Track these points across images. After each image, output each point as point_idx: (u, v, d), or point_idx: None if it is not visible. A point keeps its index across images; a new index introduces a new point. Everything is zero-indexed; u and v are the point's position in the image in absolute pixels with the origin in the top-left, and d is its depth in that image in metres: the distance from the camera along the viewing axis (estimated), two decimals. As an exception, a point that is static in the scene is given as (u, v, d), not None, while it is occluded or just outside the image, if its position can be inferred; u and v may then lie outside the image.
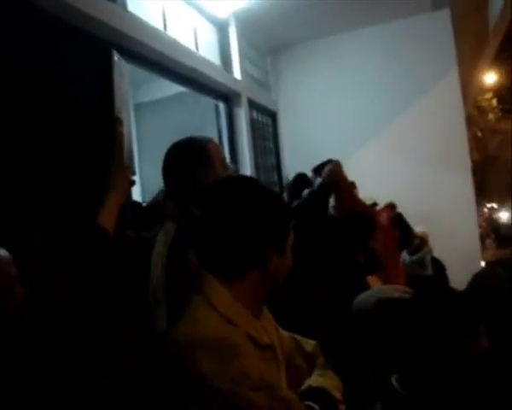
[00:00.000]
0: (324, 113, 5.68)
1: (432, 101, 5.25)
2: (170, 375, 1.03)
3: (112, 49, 1.45)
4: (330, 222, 2.74)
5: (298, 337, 1.42)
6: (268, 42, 5.64)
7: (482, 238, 6.72)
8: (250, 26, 5.02)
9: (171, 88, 4.90)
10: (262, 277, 1.14)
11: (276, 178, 5.72)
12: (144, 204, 2.49)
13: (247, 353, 1.05)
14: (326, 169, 2.77)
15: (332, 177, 2.68)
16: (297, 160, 5.67)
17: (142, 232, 1.91)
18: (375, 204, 4.66)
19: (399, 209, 4.17)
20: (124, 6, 3.24)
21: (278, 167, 5.83)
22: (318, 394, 1.21)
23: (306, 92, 5.79)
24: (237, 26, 4.88)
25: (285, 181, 5.74)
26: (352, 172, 5.12)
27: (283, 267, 1.19)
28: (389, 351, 1.41)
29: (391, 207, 3.90)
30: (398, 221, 3.95)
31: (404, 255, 4.45)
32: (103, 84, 1.60)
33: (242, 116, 4.90)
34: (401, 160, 5.34)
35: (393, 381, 1.38)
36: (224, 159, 1.67)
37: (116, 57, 1.44)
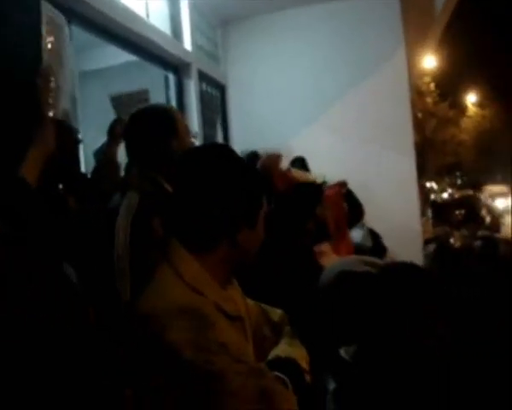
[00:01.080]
0: (272, 89, 5.68)
1: (378, 82, 5.33)
2: (139, 348, 1.01)
3: (41, 2, 1.40)
4: (279, 198, 2.77)
5: (264, 306, 1.42)
6: (219, 14, 5.58)
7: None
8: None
9: (118, 57, 4.77)
10: (231, 249, 1.13)
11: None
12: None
13: (219, 324, 1.05)
14: (258, 163, 2.79)
15: (264, 171, 2.68)
16: (245, 134, 5.69)
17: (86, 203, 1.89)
18: (324, 182, 4.78)
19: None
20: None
21: (226, 141, 5.82)
22: (286, 364, 1.21)
23: (255, 67, 5.77)
24: (189, -4, 4.80)
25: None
26: (298, 151, 5.25)
27: (254, 241, 1.18)
28: (343, 322, 1.43)
29: (341, 184, 4.00)
30: (348, 197, 4.07)
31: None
32: (30, 34, 1.54)
33: (192, 88, 4.86)
34: (347, 139, 5.43)
35: (342, 352, 1.41)
36: (187, 126, 1.66)
37: (50, 12, 1.40)
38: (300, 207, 2.61)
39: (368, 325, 1.33)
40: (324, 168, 4.98)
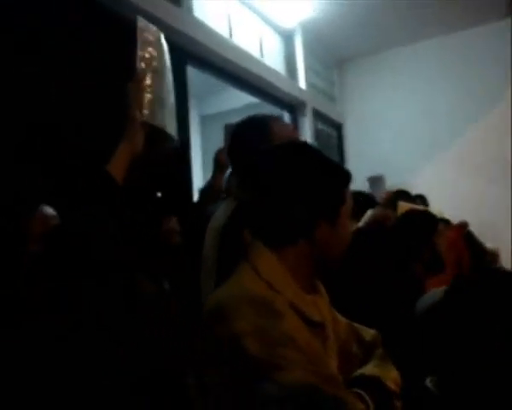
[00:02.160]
0: (389, 126, 5.55)
1: (499, 115, 5.00)
2: (206, 336, 0.98)
3: (136, 17, 1.49)
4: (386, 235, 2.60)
5: (356, 325, 1.33)
6: (334, 53, 5.60)
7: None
8: (316, 36, 5.01)
9: (237, 100, 4.96)
10: (311, 245, 1.07)
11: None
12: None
13: (292, 321, 0.97)
14: (368, 215, 2.64)
15: (374, 223, 2.55)
16: (361, 172, 5.55)
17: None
18: (446, 220, 4.50)
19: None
20: (189, 10, 3.31)
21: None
22: (370, 382, 1.10)
23: (372, 105, 5.69)
24: (303, 37, 4.88)
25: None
26: (417, 188, 5.02)
27: (335, 238, 1.10)
28: (432, 350, 1.28)
29: (462, 225, 3.72)
30: (469, 239, 3.79)
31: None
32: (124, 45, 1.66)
33: (307, 126, 4.88)
34: (464, 176, 5.13)
35: (428, 383, 1.25)
36: (285, 137, 1.62)
37: (145, 25, 1.48)
38: (417, 234, 2.45)
39: (454, 355, 1.18)
40: (447, 206, 4.73)
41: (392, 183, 4.92)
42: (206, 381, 0.96)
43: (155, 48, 1.47)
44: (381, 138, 5.57)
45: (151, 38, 1.48)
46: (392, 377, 1.16)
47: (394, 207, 4.37)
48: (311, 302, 1.09)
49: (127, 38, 1.56)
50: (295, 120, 4.87)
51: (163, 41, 1.55)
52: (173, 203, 2.43)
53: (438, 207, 4.75)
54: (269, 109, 4.93)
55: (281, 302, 0.99)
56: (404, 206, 3.91)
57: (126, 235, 1.24)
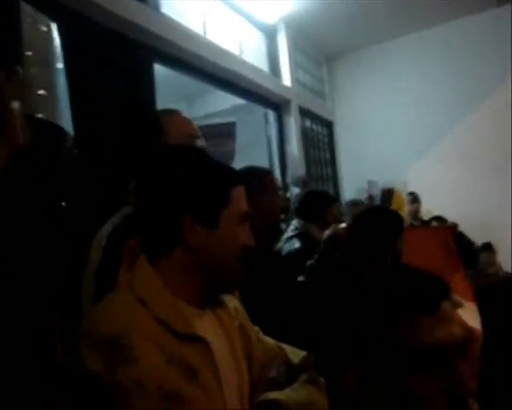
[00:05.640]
0: (382, 123, 5.41)
1: (494, 106, 4.84)
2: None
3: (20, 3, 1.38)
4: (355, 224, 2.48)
5: (285, 347, 1.24)
6: (322, 49, 5.48)
7: None
8: (301, 32, 4.88)
9: (226, 101, 4.89)
10: (188, 253, 0.98)
11: (332, 189, 5.48)
12: None
13: (146, 355, 0.88)
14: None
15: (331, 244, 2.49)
16: (355, 171, 5.43)
17: None
18: (439, 218, 4.36)
19: (464, 221, 3.87)
20: (156, 7, 3.20)
21: (335, 178, 5.59)
22: (267, 407, 1.02)
23: (364, 101, 5.55)
24: (287, 33, 4.76)
25: (342, 192, 5.53)
26: (410, 185, 4.88)
27: (216, 244, 0.99)
28: None
29: (452, 227, 3.59)
30: (459, 241, 3.65)
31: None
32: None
33: (292, 124, 4.74)
34: (459, 171, 4.98)
35: None
36: (180, 133, 1.52)
37: (31, 12, 1.38)
38: (381, 238, 2.29)
39: None
40: (440, 202, 4.59)
41: (386, 180, 4.80)
42: None
43: (40, 39, 1.38)
44: (373, 135, 5.44)
45: (35, 25, 1.39)
46: (311, 400, 1.09)
47: (389, 203, 4.26)
48: (196, 316, 1.00)
49: (8, 28, 1.45)
50: (280, 119, 4.75)
51: (52, 32, 1.45)
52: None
53: (427, 206, 4.64)
54: (255, 109, 4.83)
55: (143, 320, 0.92)
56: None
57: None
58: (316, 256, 2.35)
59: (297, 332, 1.47)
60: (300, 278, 2.26)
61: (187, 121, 1.52)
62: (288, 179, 4.44)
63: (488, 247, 4.18)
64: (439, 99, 5.12)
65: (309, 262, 2.34)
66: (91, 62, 2.64)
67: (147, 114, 1.53)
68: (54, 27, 1.45)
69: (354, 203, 3.79)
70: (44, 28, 1.40)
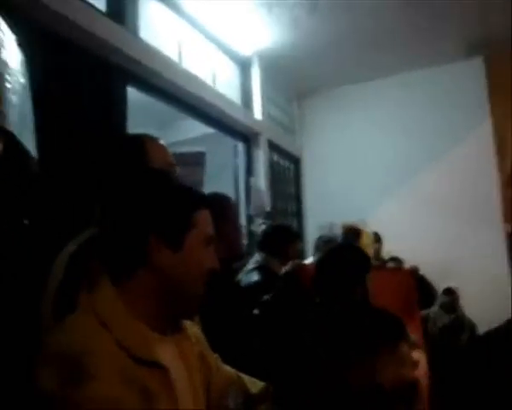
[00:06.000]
0: (349, 161, 5.50)
1: (463, 153, 5.00)
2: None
3: None
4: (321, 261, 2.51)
5: (244, 377, 1.25)
6: (294, 86, 5.56)
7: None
8: (274, 67, 4.94)
9: (197, 129, 4.85)
10: (151, 274, 0.97)
11: (296, 224, 5.52)
12: None
13: (104, 376, 0.86)
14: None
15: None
16: (320, 207, 5.49)
17: None
18: (395, 259, 4.44)
19: (426, 261, 4.03)
20: (133, 30, 3.22)
21: (299, 214, 5.64)
22: None
23: (331, 140, 5.64)
24: (260, 66, 4.82)
25: (305, 228, 5.58)
26: (377, 225, 4.94)
27: (181, 266, 0.99)
28: None
29: (413, 270, 3.66)
30: (420, 283, 3.73)
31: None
32: None
33: (261, 157, 4.78)
34: (424, 212, 5.10)
35: None
36: (159, 159, 1.52)
37: None
38: (349, 274, 2.32)
39: None
40: (402, 244, 4.66)
41: (350, 219, 4.84)
42: None
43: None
44: (340, 173, 5.51)
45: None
46: None
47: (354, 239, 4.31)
48: (157, 341, 0.98)
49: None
50: (249, 151, 4.78)
51: (13, 41, 1.45)
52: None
53: (388, 246, 4.70)
54: (225, 139, 4.85)
55: (103, 344, 0.90)
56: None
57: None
58: (273, 291, 2.36)
59: (255, 364, 1.47)
60: (255, 312, 2.27)
61: (166, 149, 1.53)
62: (253, 212, 4.45)
63: (449, 291, 4.24)
64: (406, 142, 5.25)
65: (265, 297, 2.36)
66: (59, 80, 2.64)
67: (130, 137, 1.52)
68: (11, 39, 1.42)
69: (329, 240, 3.82)
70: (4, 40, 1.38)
